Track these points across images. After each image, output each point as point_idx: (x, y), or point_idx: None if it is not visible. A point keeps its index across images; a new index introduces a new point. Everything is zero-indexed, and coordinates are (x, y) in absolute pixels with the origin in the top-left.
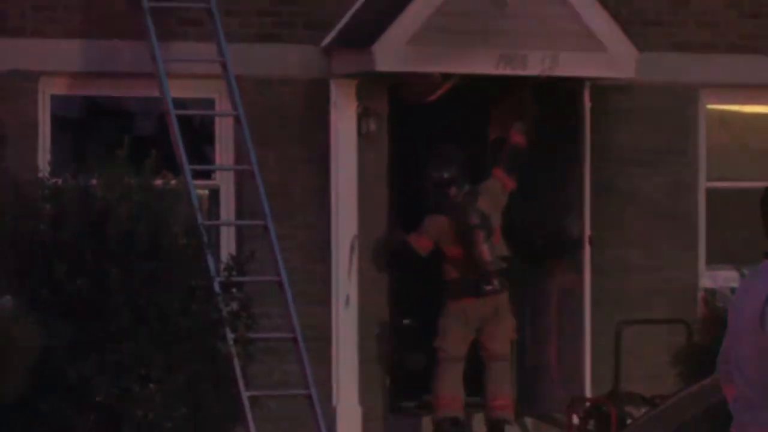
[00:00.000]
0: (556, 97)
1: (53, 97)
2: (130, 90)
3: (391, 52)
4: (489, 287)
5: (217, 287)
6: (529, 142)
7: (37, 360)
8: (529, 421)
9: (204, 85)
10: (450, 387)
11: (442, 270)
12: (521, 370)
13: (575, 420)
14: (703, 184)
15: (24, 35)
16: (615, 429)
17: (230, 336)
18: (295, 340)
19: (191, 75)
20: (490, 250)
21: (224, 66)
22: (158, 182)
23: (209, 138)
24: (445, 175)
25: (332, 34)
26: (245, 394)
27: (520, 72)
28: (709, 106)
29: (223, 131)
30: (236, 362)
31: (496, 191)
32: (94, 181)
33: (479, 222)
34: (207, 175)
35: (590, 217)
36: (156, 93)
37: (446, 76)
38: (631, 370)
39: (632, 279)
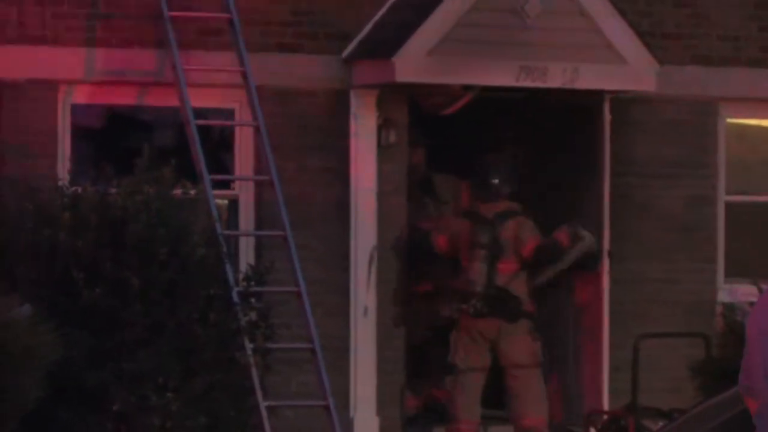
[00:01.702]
0: (576, 109)
1: (73, 106)
2: (150, 99)
3: (412, 64)
4: (464, 306)
5: (235, 297)
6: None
7: (55, 368)
8: None
9: (224, 95)
10: (465, 410)
11: (458, 281)
12: None
13: None
14: (722, 197)
15: (44, 43)
16: None
17: (248, 346)
18: (313, 350)
19: (211, 84)
20: (482, 272)
21: (244, 76)
22: (177, 192)
23: (229, 148)
24: (494, 182)
25: (353, 44)
26: (263, 404)
27: (540, 84)
28: (729, 120)
29: (243, 141)
30: (254, 372)
31: (518, 233)
32: (113, 190)
33: (487, 242)
34: (226, 184)
35: (609, 229)
36: (176, 102)
37: (467, 88)
38: (649, 383)
39: (651, 292)
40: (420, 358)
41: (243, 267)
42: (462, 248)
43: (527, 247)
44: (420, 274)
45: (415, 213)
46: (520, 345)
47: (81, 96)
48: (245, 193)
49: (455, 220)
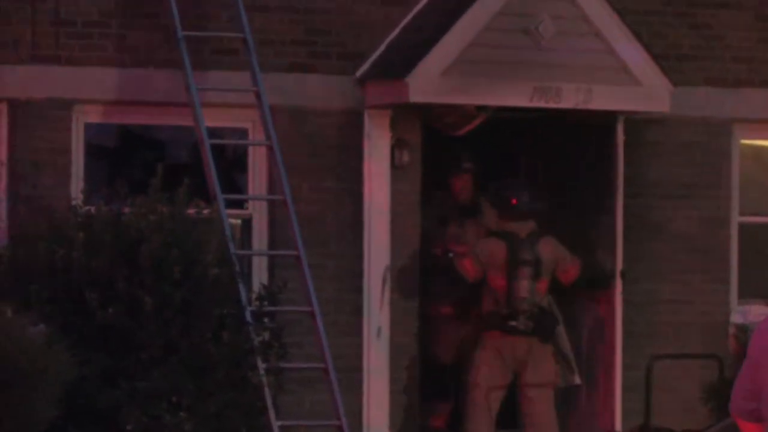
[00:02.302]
0: (590, 130)
1: (87, 125)
2: (164, 119)
3: (425, 84)
4: (513, 323)
5: (248, 316)
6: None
7: (69, 387)
8: None
9: (238, 115)
10: (484, 427)
11: (482, 301)
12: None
13: None
14: (736, 218)
15: (59, 63)
16: None
17: (261, 365)
18: (326, 370)
19: (225, 104)
20: (529, 289)
21: (258, 95)
22: (191, 211)
23: (242, 167)
24: (522, 200)
25: (366, 64)
26: (276, 424)
27: (553, 105)
28: (743, 141)
29: (257, 160)
30: (267, 392)
31: (557, 254)
32: (126, 210)
33: (531, 259)
34: (240, 204)
35: (622, 250)
36: (190, 122)
37: (480, 108)
38: (662, 405)
39: (664, 313)
40: (439, 379)
41: (256, 286)
42: (500, 267)
43: (570, 272)
44: (438, 296)
45: (439, 236)
46: (547, 365)
47: (95, 115)
48: (259, 213)
49: (487, 240)
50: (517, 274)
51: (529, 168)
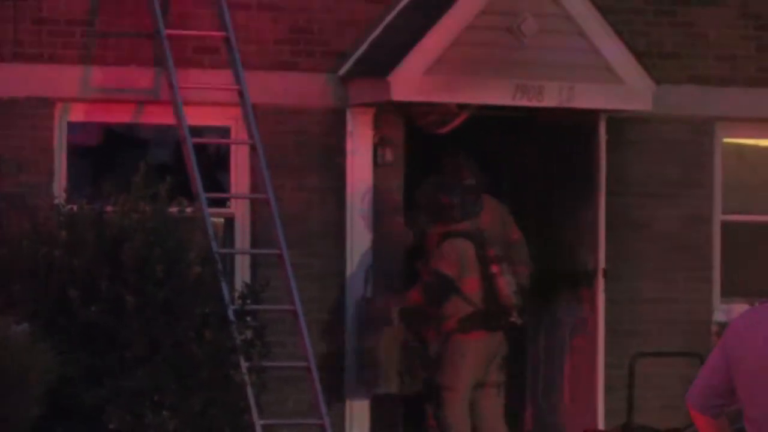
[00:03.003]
0: (572, 128)
1: (69, 124)
2: (147, 117)
3: (408, 82)
4: (512, 320)
5: (231, 315)
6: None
7: (53, 386)
8: None
9: (220, 113)
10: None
11: (447, 310)
12: (534, 401)
13: None
14: (719, 216)
15: (41, 61)
16: None
17: (244, 364)
18: (308, 369)
19: (207, 102)
20: (510, 283)
21: (241, 94)
22: (173, 210)
23: (225, 166)
24: (454, 198)
25: (349, 63)
26: (259, 423)
27: (536, 103)
28: (725, 140)
29: (239, 159)
30: (250, 390)
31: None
32: (109, 208)
33: (501, 254)
34: (222, 202)
35: (605, 248)
36: (172, 120)
37: (463, 106)
38: (644, 403)
39: (646, 311)
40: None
41: (239, 285)
42: (476, 267)
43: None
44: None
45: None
46: (502, 361)
47: (77, 114)
48: (241, 211)
49: (452, 241)
50: (494, 272)
51: (511, 166)
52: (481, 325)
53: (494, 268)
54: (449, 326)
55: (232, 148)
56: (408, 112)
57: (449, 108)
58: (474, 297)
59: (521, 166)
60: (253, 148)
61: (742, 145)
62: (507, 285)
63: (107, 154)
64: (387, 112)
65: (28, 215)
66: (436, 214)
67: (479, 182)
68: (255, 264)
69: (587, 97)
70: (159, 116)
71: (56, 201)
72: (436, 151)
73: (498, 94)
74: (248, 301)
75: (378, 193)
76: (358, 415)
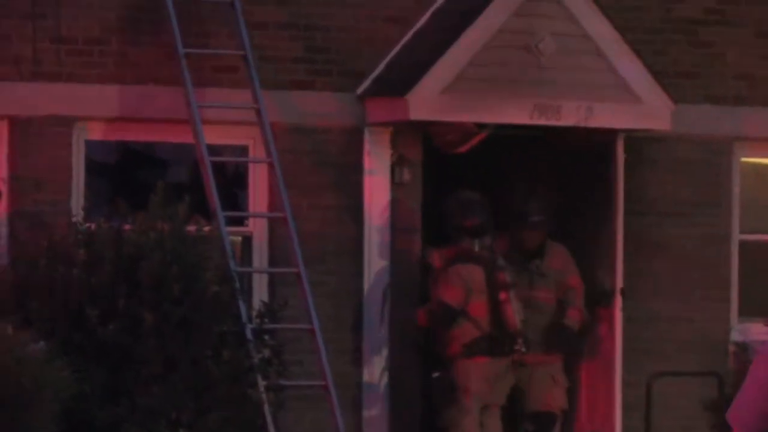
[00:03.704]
0: (590, 147)
1: (88, 143)
2: (165, 136)
3: (426, 101)
4: (516, 347)
5: (249, 334)
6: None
7: (70, 404)
8: None
9: (238, 132)
10: None
11: (453, 333)
12: None
13: None
14: (737, 236)
15: (59, 80)
16: None
17: (261, 383)
18: (326, 387)
19: (226, 121)
20: (518, 311)
21: (258, 113)
22: (191, 228)
23: (243, 184)
24: (479, 222)
25: (367, 82)
26: None
27: (554, 122)
28: (743, 159)
29: (257, 178)
30: (267, 409)
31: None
32: (127, 227)
33: (513, 283)
34: (240, 221)
35: (623, 267)
36: (190, 139)
37: (481, 126)
38: (662, 422)
39: (664, 330)
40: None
41: (256, 304)
42: (481, 291)
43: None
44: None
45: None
46: (508, 383)
47: (95, 132)
48: (259, 230)
49: (461, 267)
50: (508, 298)
51: (529, 185)
52: (486, 351)
53: (503, 295)
54: (454, 350)
55: (250, 166)
56: (425, 131)
57: (467, 127)
58: (481, 321)
59: (538, 184)
60: (271, 167)
61: (760, 164)
62: (514, 313)
63: (125, 172)
64: (404, 131)
65: (45, 233)
66: (456, 235)
67: (545, 220)
68: (273, 282)
69: (605, 117)
70: (177, 135)
71: (74, 219)
72: (453, 171)
73: (516, 114)
74: (266, 320)
75: (395, 211)
76: None
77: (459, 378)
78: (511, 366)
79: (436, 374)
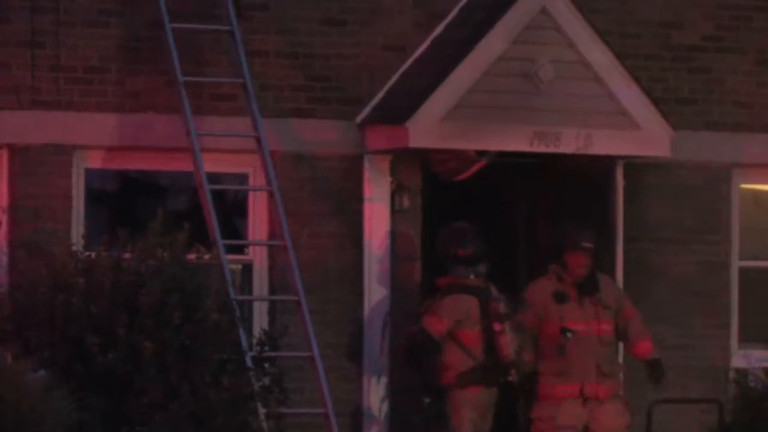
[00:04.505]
0: (589, 174)
1: (87, 171)
2: (164, 164)
3: (425, 129)
4: (510, 378)
5: (249, 362)
6: None
7: None
8: None
9: (238, 160)
10: None
11: (445, 362)
12: None
13: None
14: (736, 263)
15: (59, 108)
16: None
17: (262, 411)
18: (326, 415)
19: (225, 149)
20: (512, 342)
21: (258, 141)
22: (191, 256)
23: (243, 212)
24: (477, 252)
25: (366, 110)
26: None
27: (554, 149)
28: (743, 186)
29: (257, 206)
30: None
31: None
32: (127, 255)
33: (506, 312)
34: (240, 249)
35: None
36: (190, 167)
37: (481, 153)
38: None
39: (664, 357)
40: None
41: (256, 331)
42: (476, 321)
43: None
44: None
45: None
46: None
47: (95, 161)
48: (259, 258)
49: (455, 297)
50: (503, 329)
51: (528, 212)
52: (479, 381)
53: (497, 326)
54: (448, 379)
55: (250, 194)
56: (425, 158)
57: (467, 155)
58: (475, 350)
59: (538, 211)
60: (270, 195)
61: (759, 191)
62: (508, 344)
63: (124, 200)
64: (404, 158)
65: (45, 262)
66: (450, 264)
67: (596, 247)
68: (273, 310)
69: (604, 144)
70: (176, 163)
71: (74, 248)
72: (453, 198)
73: (516, 141)
74: (266, 348)
75: (395, 239)
76: None
77: (453, 407)
78: (583, 403)
79: (427, 400)
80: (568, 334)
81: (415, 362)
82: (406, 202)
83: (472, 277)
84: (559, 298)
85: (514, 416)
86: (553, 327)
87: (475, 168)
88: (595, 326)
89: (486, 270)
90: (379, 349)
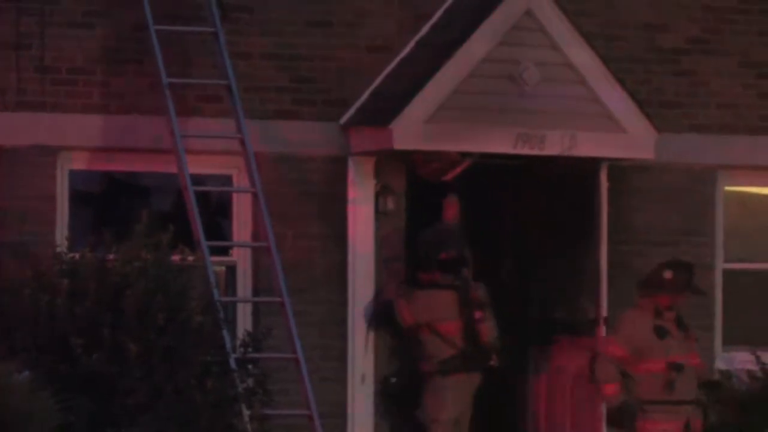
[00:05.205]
0: (573, 176)
1: (72, 172)
2: (149, 165)
3: (410, 131)
4: (492, 363)
5: (233, 363)
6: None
7: None
8: None
9: (222, 161)
10: None
11: (426, 351)
12: None
13: None
14: (721, 265)
15: (43, 110)
16: None
17: (246, 412)
18: (310, 417)
19: (209, 151)
20: (491, 329)
21: (242, 142)
22: (175, 258)
23: (227, 214)
24: (459, 255)
25: (351, 111)
26: None
27: (538, 152)
28: (727, 187)
29: (241, 207)
30: None
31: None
32: (111, 256)
33: (485, 300)
34: (224, 251)
35: (606, 296)
36: (174, 169)
37: (465, 154)
38: None
39: None
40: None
41: (240, 333)
42: (455, 313)
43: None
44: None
45: None
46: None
47: (79, 162)
48: (243, 259)
49: (430, 293)
50: (484, 317)
51: (512, 213)
52: (461, 367)
53: (477, 314)
54: (429, 367)
55: (234, 196)
56: (409, 159)
57: (451, 156)
58: (455, 339)
59: (523, 213)
60: (254, 196)
61: (743, 193)
62: (488, 330)
63: (109, 202)
64: (389, 160)
65: (30, 263)
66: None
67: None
68: (257, 312)
69: (589, 146)
70: (161, 164)
71: (58, 249)
72: (437, 199)
73: (500, 143)
74: (250, 349)
75: (379, 240)
76: None
77: (432, 394)
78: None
79: (393, 380)
80: (678, 370)
81: (376, 323)
82: (390, 204)
83: (451, 279)
84: (661, 333)
85: (496, 403)
86: (657, 363)
87: (458, 169)
88: (693, 360)
89: (468, 275)
90: (364, 350)
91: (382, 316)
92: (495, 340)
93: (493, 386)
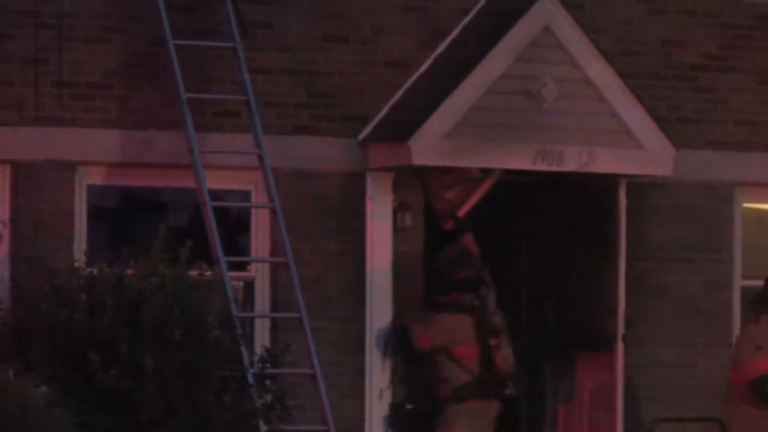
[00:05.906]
0: (592, 192)
1: (89, 187)
2: (167, 181)
3: (428, 147)
4: (508, 391)
5: (250, 379)
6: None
7: None
8: None
9: (240, 177)
10: None
11: (442, 376)
12: None
13: None
14: (738, 282)
15: (61, 125)
16: None
17: (263, 428)
18: None
19: (228, 166)
20: (507, 357)
21: (261, 158)
22: (193, 273)
23: (245, 229)
24: (477, 275)
25: (369, 127)
26: None
27: (556, 168)
28: (745, 205)
29: (259, 223)
30: None
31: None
32: (129, 271)
33: (501, 327)
34: (242, 266)
35: (624, 313)
36: (192, 184)
37: (485, 171)
38: None
39: (666, 376)
40: None
41: (258, 349)
42: (472, 338)
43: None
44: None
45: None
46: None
47: (97, 177)
48: (261, 275)
49: (445, 317)
50: (500, 344)
51: (530, 230)
52: (476, 394)
53: (492, 342)
54: (444, 394)
55: (253, 211)
56: (426, 187)
57: (472, 173)
58: (470, 365)
59: (541, 229)
60: (273, 212)
61: (761, 210)
62: (504, 359)
63: (127, 217)
64: (407, 176)
65: (47, 278)
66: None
67: None
68: (275, 327)
69: (607, 162)
70: (179, 180)
71: (76, 264)
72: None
73: (519, 159)
74: (268, 365)
75: (397, 257)
76: None
77: (448, 420)
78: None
79: (410, 407)
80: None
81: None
82: (408, 220)
83: (469, 299)
84: None
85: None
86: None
87: (473, 200)
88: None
89: (486, 294)
90: (382, 366)
91: (397, 343)
92: (511, 369)
93: (512, 415)
